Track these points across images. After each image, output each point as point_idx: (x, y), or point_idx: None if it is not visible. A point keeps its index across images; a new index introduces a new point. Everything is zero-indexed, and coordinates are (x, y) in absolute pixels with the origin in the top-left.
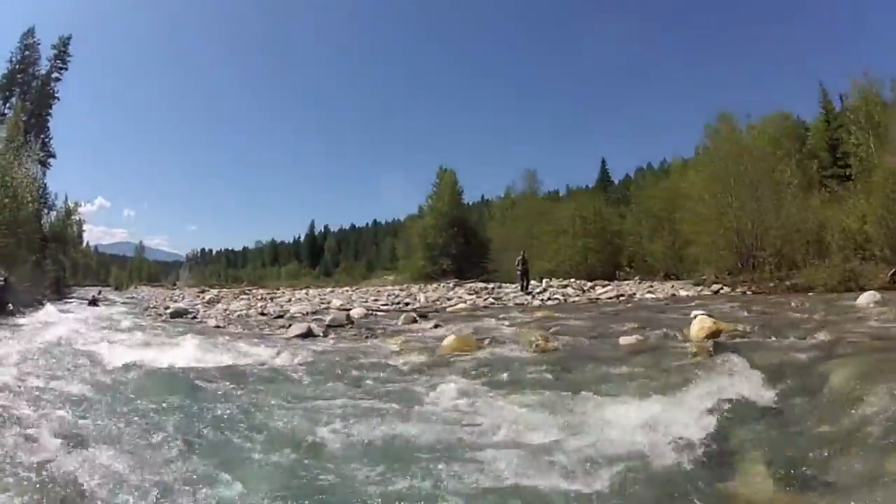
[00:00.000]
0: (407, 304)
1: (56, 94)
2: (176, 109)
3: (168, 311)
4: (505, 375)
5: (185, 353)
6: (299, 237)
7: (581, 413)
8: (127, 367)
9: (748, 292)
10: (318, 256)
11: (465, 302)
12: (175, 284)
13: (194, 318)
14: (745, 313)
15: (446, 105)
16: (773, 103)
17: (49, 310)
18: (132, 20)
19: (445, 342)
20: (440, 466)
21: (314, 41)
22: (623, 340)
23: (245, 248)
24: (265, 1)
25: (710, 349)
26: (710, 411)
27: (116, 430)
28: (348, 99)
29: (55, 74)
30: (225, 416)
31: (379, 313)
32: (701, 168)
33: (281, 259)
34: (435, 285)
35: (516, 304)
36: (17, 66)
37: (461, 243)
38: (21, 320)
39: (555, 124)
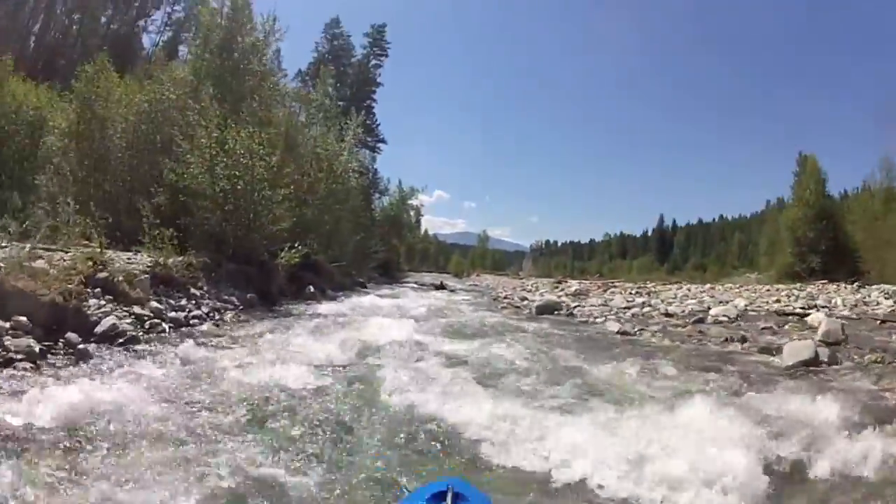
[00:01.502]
0: (824, 307)
1: (378, 80)
2: (522, 105)
3: (528, 303)
4: None
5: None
6: (647, 231)
7: None
8: None
9: None
10: (667, 251)
11: None
12: (519, 274)
13: (570, 315)
14: None
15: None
16: None
17: (365, 298)
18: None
19: None
20: None
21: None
22: None
23: (592, 241)
24: None
25: None
26: None
27: None
28: (710, 84)
29: (374, 61)
30: None
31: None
32: None
33: (629, 252)
34: (834, 286)
35: None
36: (327, 56)
37: (830, 239)
38: (321, 307)
39: None
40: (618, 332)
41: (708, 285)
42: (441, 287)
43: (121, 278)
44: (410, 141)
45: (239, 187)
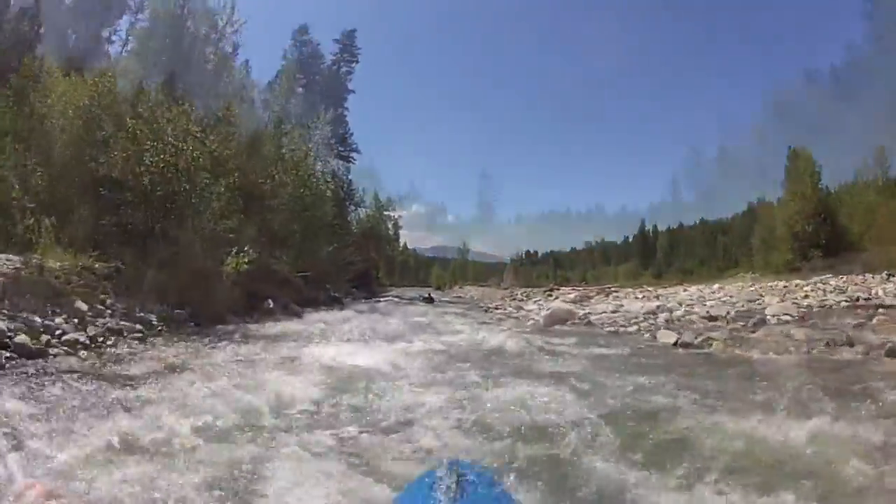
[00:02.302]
0: (867, 299)
1: (349, 87)
2: (502, 114)
3: (527, 312)
4: None
5: None
6: (628, 237)
7: None
8: None
9: None
10: (650, 256)
11: None
12: (501, 285)
13: (588, 324)
14: None
15: None
16: None
17: (336, 315)
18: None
19: None
20: None
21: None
22: None
23: (573, 249)
24: None
25: None
26: None
27: None
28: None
29: (345, 68)
30: None
31: None
32: None
33: (612, 259)
34: (860, 277)
35: None
36: (296, 65)
37: (828, 232)
38: (277, 327)
39: None
40: (676, 345)
41: (717, 285)
42: (429, 300)
43: None
44: (386, 153)
45: (170, 174)
